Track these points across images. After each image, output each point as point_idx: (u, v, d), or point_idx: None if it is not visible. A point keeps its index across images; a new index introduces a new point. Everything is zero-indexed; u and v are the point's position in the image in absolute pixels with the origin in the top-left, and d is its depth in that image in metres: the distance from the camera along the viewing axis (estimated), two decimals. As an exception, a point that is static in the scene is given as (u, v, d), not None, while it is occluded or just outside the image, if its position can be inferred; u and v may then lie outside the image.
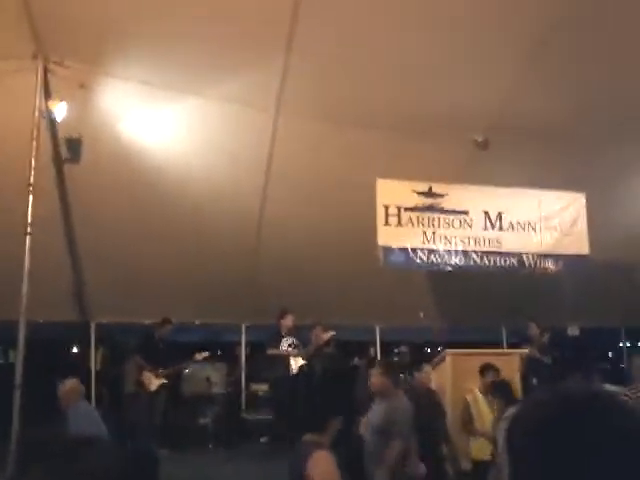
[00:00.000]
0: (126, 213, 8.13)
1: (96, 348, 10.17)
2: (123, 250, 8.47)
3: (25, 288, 6.53)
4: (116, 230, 8.25)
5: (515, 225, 8.35)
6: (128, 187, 7.81)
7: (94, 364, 10.01)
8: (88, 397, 9.43)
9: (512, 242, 8.29)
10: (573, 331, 12.30)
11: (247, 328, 10.88)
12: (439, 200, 8.03)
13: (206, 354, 9.44)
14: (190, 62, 6.59)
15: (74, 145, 6.92)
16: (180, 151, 7.62)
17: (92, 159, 7.12)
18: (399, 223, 7.83)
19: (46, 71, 6.60)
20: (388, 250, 7.79)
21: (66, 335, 12.65)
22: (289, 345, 9.05)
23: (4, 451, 6.22)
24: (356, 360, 11.28)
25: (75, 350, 15.01)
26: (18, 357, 6.66)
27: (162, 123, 7.33)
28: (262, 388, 10.22)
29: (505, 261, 8.25)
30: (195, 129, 7.46)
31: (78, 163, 7.02)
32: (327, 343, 9.20)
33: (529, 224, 8.40)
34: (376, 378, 5.50)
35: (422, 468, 6.23)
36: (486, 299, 9.96)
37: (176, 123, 7.38)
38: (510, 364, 7.64)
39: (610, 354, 19.23)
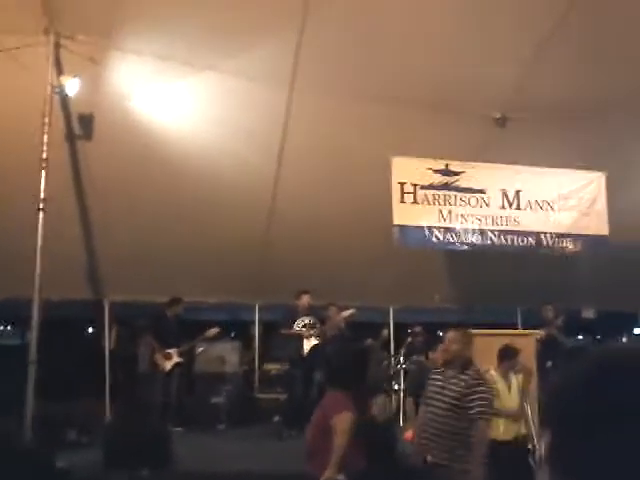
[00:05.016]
0: (139, 190, 8.07)
1: (110, 327, 10.15)
2: (136, 227, 8.43)
3: (38, 266, 6.55)
4: (129, 207, 8.21)
5: (533, 204, 8.18)
6: (141, 163, 7.74)
7: (108, 343, 10.00)
8: (102, 376, 9.52)
9: (530, 221, 8.13)
10: (588, 314, 12.18)
11: (261, 307, 10.85)
12: (455, 178, 7.89)
13: (216, 330, 9.39)
14: (202, 36, 6.48)
15: (86, 121, 6.88)
16: (193, 127, 7.53)
17: (105, 135, 7.07)
18: (415, 201, 7.70)
19: (58, 46, 6.54)
20: (404, 229, 7.68)
21: (80, 314, 12.72)
22: (304, 325, 9.01)
23: (20, 425, 6.34)
24: (369, 341, 11.23)
25: (90, 329, 15.11)
26: (33, 333, 6.71)
27: (174, 98, 7.24)
28: (276, 367, 10.22)
29: (523, 240, 8.09)
30: (208, 104, 7.35)
31: (90, 139, 6.97)
32: (346, 321, 9.15)
33: (548, 203, 8.23)
34: None
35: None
36: (501, 280, 9.86)
37: (189, 98, 7.28)
38: (527, 346, 7.54)
39: (625, 339, 19.08)
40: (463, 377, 4.78)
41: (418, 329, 10.81)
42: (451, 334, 5.11)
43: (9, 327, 19.01)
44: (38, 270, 6.54)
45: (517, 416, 6.44)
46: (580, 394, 0.90)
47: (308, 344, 8.90)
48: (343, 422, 4.54)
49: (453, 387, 4.80)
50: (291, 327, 8.97)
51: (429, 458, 4.77)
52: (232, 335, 12.89)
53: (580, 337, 20.97)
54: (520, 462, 6.22)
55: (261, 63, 6.72)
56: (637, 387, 0.86)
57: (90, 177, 7.74)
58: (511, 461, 6.21)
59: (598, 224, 8.29)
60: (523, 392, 6.62)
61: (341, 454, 4.45)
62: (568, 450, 0.90)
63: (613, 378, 0.88)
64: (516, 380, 6.61)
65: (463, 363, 4.89)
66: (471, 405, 4.66)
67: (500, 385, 6.57)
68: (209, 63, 6.78)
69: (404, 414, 9.28)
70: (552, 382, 1.01)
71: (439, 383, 4.95)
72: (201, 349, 9.83)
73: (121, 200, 8.08)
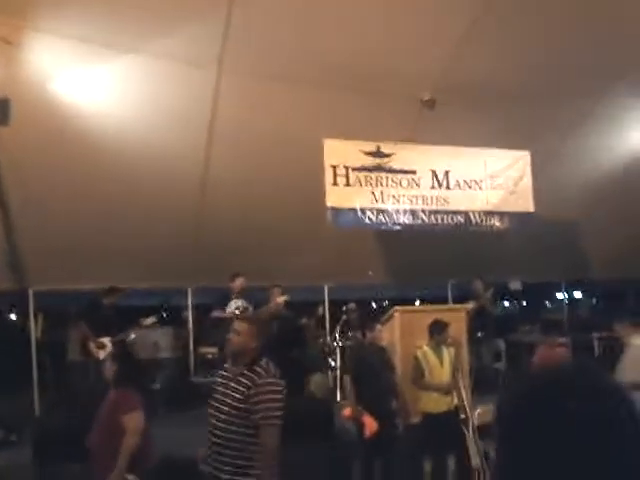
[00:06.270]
0: (62, 176, 7.71)
1: (35, 316, 9.82)
2: (59, 214, 8.09)
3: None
4: (51, 193, 7.85)
5: (462, 183, 8.40)
6: (63, 148, 7.38)
7: (34, 332, 9.68)
8: (29, 366, 9.20)
9: (459, 200, 8.35)
10: (515, 285, 12.69)
11: (193, 291, 10.70)
12: (386, 160, 7.97)
13: (153, 319, 9.29)
14: (125, 17, 6.19)
15: (2, 106, 6.48)
16: (117, 110, 7.22)
17: (23, 120, 6.69)
18: (347, 183, 7.75)
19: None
20: (337, 211, 7.71)
21: (3, 304, 12.25)
22: (237, 308, 8.96)
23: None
24: (304, 320, 11.31)
25: (13, 318, 14.55)
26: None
27: (97, 82, 6.91)
28: (211, 351, 10.14)
29: (452, 219, 8.32)
30: (133, 88, 7.06)
31: (7, 125, 6.59)
32: (280, 306, 9.19)
33: (475, 182, 8.47)
34: None
35: (374, 424, 6.41)
36: (433, 257, 10.08)
37: (112, 82, 6.97)
38: (458, 319, 7.79)
39: (549, 305, 20.04)
40: (249, 375, 3.95)
41: (352, 306, 10.96)
42: (236, 324, 4.19)
43: None
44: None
45: (449, 388, 6.67)
46: (518, 410, 1.04)
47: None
48: (135, 421, 4.54)
49: (237, 387, 3.95)
50: (223, 310, 8.92)
51: (210, 472, 3.96)
52: (165, 318, 12.72)
53: (506, 305, 21.88)
54: (454, 432, 6.45)
55: (187, 44, 6.50)
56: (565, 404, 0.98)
57: (9, 164, 7.32)
58: (445, 432, 6.45)
59: (524, 201, 8.61)
60: (455, 364, 6.84)
61: (129, 454, 4.38)
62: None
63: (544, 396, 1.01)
64: (448, 353, 6.82)
65: (251, 358, 4.02)
66: (256, 408, 3.84)
67: (432, 359, 6.76)
68: (132, 45, 6.49)
69: (342, 391, 9.42)
70: (498, 401, 1.13)
71: (223, 383, 4.08)
72: (133, 336, 9.62)
73: (42, 187, 7.71)
